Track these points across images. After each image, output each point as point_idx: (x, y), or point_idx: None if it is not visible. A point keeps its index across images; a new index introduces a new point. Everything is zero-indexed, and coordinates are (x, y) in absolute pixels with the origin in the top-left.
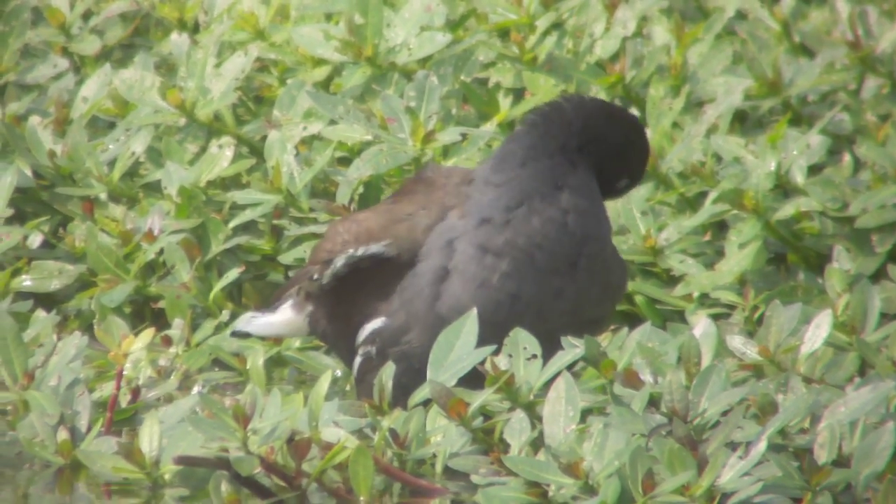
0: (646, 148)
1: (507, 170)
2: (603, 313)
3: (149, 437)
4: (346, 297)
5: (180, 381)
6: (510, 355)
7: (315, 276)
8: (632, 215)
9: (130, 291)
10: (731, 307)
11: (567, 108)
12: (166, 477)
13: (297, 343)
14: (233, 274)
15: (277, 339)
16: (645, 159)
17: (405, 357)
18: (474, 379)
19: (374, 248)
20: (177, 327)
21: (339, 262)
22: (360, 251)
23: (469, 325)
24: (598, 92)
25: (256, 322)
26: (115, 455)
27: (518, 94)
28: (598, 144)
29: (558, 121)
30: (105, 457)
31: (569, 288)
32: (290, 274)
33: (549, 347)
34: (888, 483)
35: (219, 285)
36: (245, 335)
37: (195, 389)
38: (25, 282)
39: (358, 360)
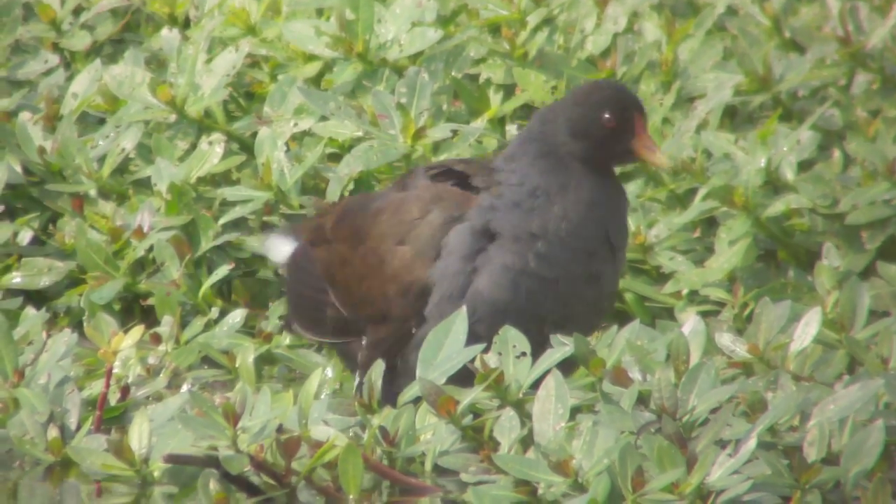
0: (600, 100)
1: (523, 163)
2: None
3: (138, 435)
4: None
5: (169, 379)
6: (499, 353)
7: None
8: None
9: (120, 288)
10: (721, 304)
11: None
12: (155, 474)
13: (286, 341)
14: (222, 271)
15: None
16: (613, 107)
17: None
18: (465, 377)
19: None
20: (166, 325)
21: None
22: None
23: (459, 323)
24: None
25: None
26: (104, 452)
27: (509, 90)
28: (574, 134)
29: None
30: (95, 454)
31: (602, 269)
32: (280, 272)
33: (573, 329)
34: (877, 481)
35: (208, 282)
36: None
37: (184, 387)
38: (15, 279)
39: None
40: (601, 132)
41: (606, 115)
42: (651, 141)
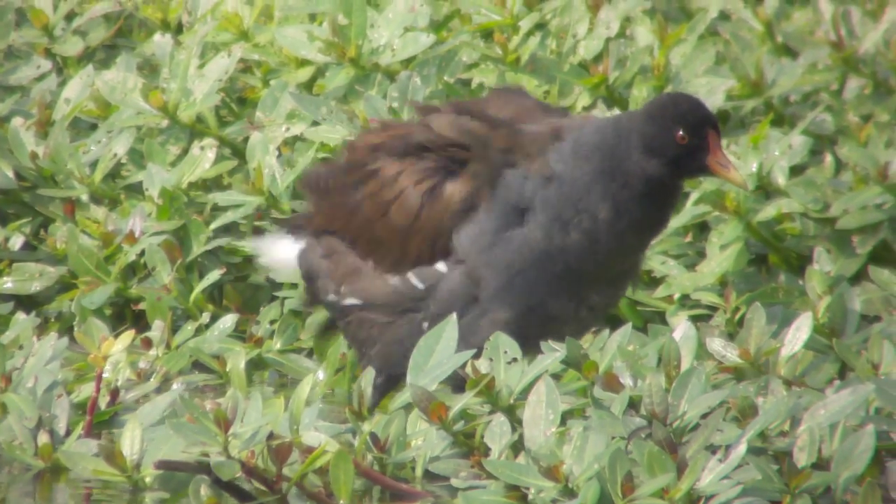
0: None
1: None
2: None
3: (130, 441)
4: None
5: (160, 384)
6: (490, 359)
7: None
8: None
9: (111, 293)
10: (713, 309)
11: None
12: (147, 480)
13: (277, 345)
14: (214, 276)
15: (255, 338)
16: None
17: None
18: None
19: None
20: (157, 329)
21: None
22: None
23: (449, 330)
24: (581, 93)
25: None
26: (96, 458)
27: None
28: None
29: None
30: (86, 459)
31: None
32: (272, 275)
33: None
34: (867, 486)
35: (199, 287)
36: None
37: (174, 387)
38: (6, 283)
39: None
40: (675, 149)
41: (680, 133)
42: (726, 158)
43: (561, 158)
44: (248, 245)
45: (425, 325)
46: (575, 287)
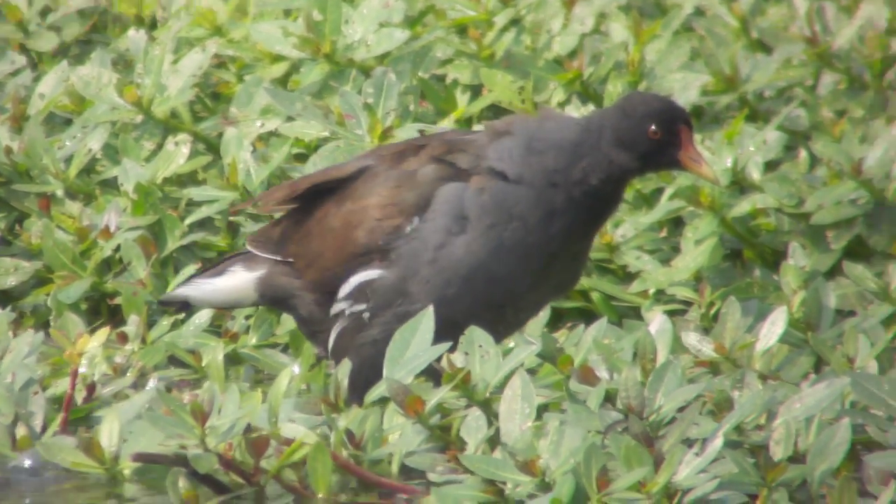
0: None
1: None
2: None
3: (108, 433)
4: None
5: (136, 379)
6: (466, 353)
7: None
8: None
9: (87, 288)
10: (688, 304)
11: None
12: (125, 472)
13: (253, 341)
14: (189, 271)
15: (231, 333)
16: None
17: (406, 318)
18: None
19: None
20: (132, 324)
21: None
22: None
23: (426, 321)
24: (556, 88)
25: (201, 287)
26: (75, 449)
27: (476, 90)
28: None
29: None
30: (65, 450)
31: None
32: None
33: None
34: (843, 479)
35: (175, 282)
36: (183, 303)
37: (150, 383)
38: None
39: (339, 324)
40: (647, 144)
41: (652, 128)
42: (698, 153)
43: (502, 157)
44: (185, 295)
45: (366, 315)
46: (508, 297)
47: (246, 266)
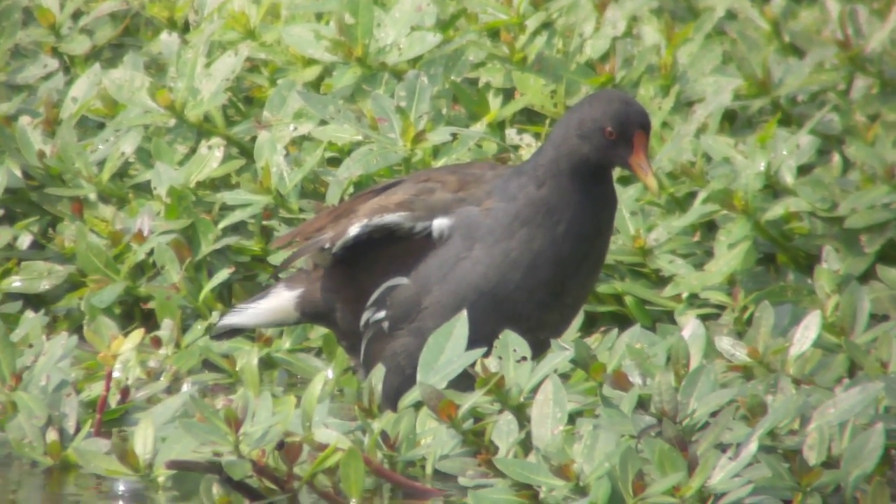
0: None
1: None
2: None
3: (143, 440)
4: (356, 267)
5: (170, 383)
6: (500, 357)
7: (327, 246)
8: (621, 215)
9: (120, 292)
10: (721, 308)
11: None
12: (160, 479)
13: (287, 345)
14: (222, 275)
15: (265, 337)
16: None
17: (420, 332)
18: (464, 379)
19: (389, 217)
20: (166, 328)
21: (353, 231)
22: (375, 220)
23: (459, 327)
24: (588, 92)
25: (245, 312)
26: (109, 456)
27: (508, 93)
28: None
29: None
30: (99, 457)
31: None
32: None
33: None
34: (877, 484)
35: (209, 286)
36: (230, 332)
37: (183, 389)
38: (15, 283)
39: (367, 333)
40: (602, 140)
41: (609, 129)
42: (646, 161)
43: (507, 184)
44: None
45: (385, 325)
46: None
47: (287, 286)
